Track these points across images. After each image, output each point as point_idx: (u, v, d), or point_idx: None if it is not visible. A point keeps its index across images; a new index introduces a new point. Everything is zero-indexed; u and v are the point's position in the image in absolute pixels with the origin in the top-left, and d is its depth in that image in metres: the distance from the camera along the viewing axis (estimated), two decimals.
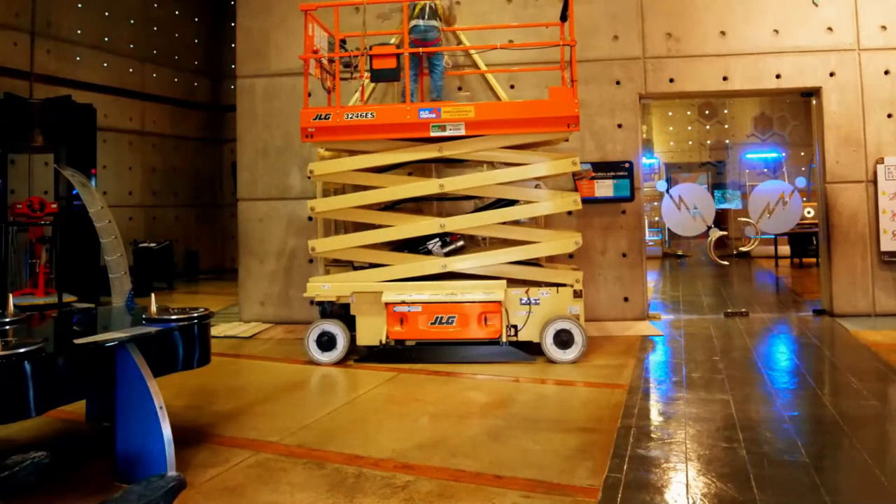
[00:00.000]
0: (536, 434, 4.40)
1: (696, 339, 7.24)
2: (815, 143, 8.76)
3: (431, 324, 6.40)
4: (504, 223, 6.79)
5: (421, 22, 7.29)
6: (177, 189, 14.92)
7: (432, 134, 6.59)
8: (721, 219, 14.68)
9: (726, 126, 17.58)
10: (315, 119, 6.65)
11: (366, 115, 6.61)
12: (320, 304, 6.86)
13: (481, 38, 8.58)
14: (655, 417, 4.73)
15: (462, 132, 6.57)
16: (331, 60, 7.12)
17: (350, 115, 6.63)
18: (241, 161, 9.13)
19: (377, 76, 6.90)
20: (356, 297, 6.65)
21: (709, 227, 8.89)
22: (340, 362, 6.61)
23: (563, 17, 7.15)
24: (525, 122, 6.59)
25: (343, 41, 7.45)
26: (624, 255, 8.33)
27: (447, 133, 6.57)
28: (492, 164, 7.23)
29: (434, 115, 6.54)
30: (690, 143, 18.01)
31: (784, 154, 16.71)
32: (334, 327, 6.63)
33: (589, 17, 8.44)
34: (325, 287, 6.70)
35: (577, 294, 6.56)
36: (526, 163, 6.70)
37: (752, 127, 17.26)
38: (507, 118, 6.62)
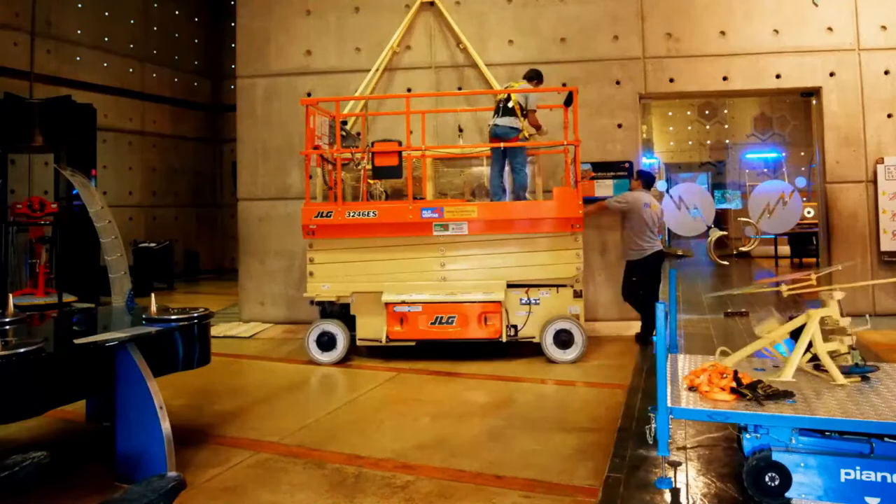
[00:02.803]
0: (536, 434, 4.40)
1: (696, 339, 7.24)
2: (815, 143, 8.76)
3: (431, 324, 6.40)
4: (505, 250, 6.68)
5: (497, 120, 6.83)
6: (177, 189, 14.92)
7: (435, 234, 6.56)
8: (721, 219, 14.68)
9: (726, 126, 17.58)
10: (317, 217, 6.65)
11: (368, 213, 6.60)
12: (320, 304, 6.86)
13: (480, 44, 8.61)
14: None
15: (465, 231, 6.54)
16: (331, 143, 7.13)
17: (352, 214, 6.61)
18: (241, 161, 9.12)
19: (379, 173, 6.89)
20: (356, 297, 6.65)
21: (709, 227, 8.89)
22: (341, 362, 6.61)
23: (568, 103, 6.99)
24: (528, 222, 6.57)
25: (344, 122, 7.47)
26: None
27: (449, 233, 6.55)
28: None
29: (437, 215, 6.53)
30: (690, 143, 18.01)
31: (784, 154, 16.70)
32: (334, 327, 6.63)
33: (589, 17, 8.44)
34: (325, 287, 6.69)
35: (577, 294, 6.55)
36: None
37: (752, 127, 17.26)
38: (510, 218, 6.60)
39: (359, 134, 8.14)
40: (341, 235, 6.68)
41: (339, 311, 6.81)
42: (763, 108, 17.09)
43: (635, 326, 7.91)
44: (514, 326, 6.51)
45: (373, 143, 6.97)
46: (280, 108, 8.88)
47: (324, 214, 6.65)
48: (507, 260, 6.61)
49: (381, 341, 6.51)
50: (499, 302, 6.38)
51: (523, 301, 6.53)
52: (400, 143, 6.85)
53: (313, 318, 7.09)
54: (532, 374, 6.05)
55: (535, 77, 7.09)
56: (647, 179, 7.44)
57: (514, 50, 8.56)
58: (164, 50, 14.48)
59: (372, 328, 6.60)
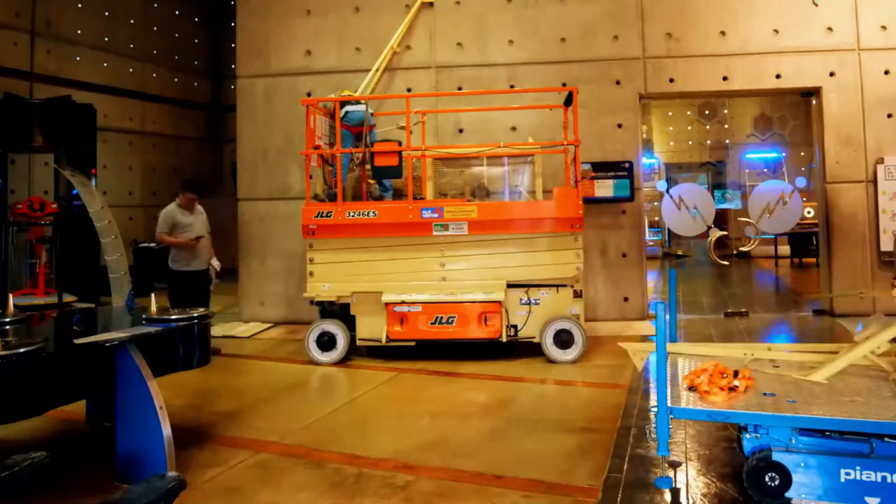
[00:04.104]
0: (536, 434, 4.40)
1: (696, 339, 7.23)
2: (815, 143, 8.76)
3: (431, 324, 6.40)
4: (505, 250, 6.65)
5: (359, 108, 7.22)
6: (177, 189, 14.87)
7: (435, 234, 6.54)
8: (721, 219, 14.66)
9: (726, 126, 17.56)
10: (317, 217, 6.63)
11: (368, 213, 6.60)
12: (320, 304, 6.86)
13: (480, 44, 8.60)
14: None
15: (465, 231, 6.52)
16: (331, 143, 7.12)
17: (352, 214, 6.60)
18: (241, 161, 9.12)
19: (379, 173, 6.89)
20: (356, 297, 6.65)
21: (709, 227, 8.87)
22: (341, 362, 6.61)
23: (568, 103, 6.97)
24: (528, 222, 6.56)
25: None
26: (624, 255, 8.32)
27: (450, 233, 6.53)
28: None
29: (437, 215, 6.52)
30: (690, 143, 17.99)
31: (784, 154, 16.69)
32: (334, 327, 6.63)
33: (589, 17, 8.44)
34: (325, 287, 6.70)
35: (577, 294, 6.55)
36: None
37: (752, 127, 17.25)
38: (510, 218, 6.59)
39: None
40: (341, 235, 6.67)
41: (340, 311, 6.80)
42: (763, 108, 17.08)
43: (636, 327, 7.91)
44: (514, 326, 6.51)
45: (372, 143, 6.96)
46: (280, 108, 8.87)
47: (324, 214, 6.65)
48: (507, 260, 6.60)
49: (381, 341, 6.51)
50: (499, 302, 6.38)
51: (523, 301, 6.53)
52: (400, 143, 6.84)
53: (313, 318, 7.09)
54: (532, 374, 6.05)
55: None
56: None
57: (514, 50, 8.56)
58: (164, 50, 14.46)
59: (372, 328, 6.60)
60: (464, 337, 6.41)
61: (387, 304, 6.46)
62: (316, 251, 6.76)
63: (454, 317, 6.39)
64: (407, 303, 6.43)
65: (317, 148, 6.89)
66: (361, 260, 6.68)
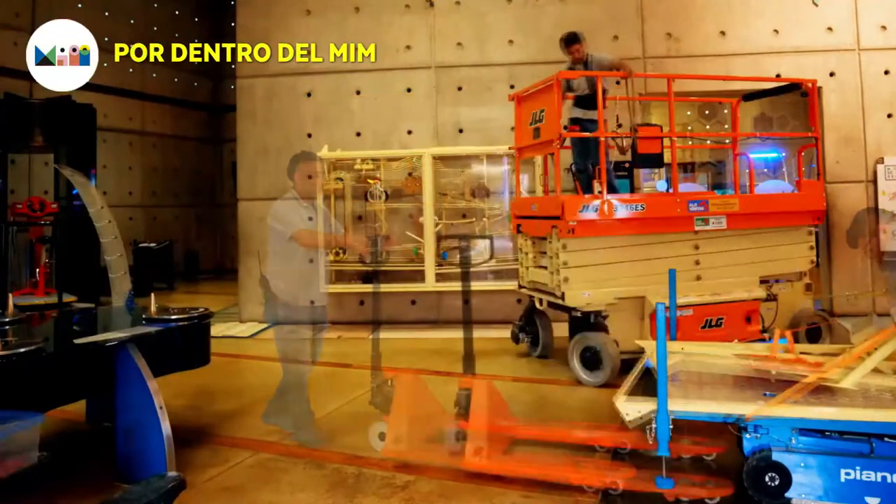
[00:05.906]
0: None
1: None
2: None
3: (702, 328, 5.79)
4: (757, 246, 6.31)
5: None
6: (177, 189, 14.91)
7: (696, 229, 6.05)
8: None
9: (726, 126, 17.55)
10: (582, 211, 5.76)
11: (636, 206, 5.93)
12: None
13: (480, 44, 8.61)
14: None
15: (724, 226, 6.11)
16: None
17: (617, 208, 5.82)
18: (241, 161, 9.13)
19: (641, 161, 6.42)
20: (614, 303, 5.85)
21: None
22: (342, 363, 6.59)
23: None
24: (782, 215, 6.38)
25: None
26: None
27: (709, 227, 6.11)
28: None
29: (702, 209, 6.06)
30: (690, 142, 17.98)
31: (784, 154, 16.68)
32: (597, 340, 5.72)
33: (589, 17, 8.43)
34: (585, 295, 5.77)
35: (808, 288, 6.45)
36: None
37: (752, 127, 17.24)
38: (769, 211, 6.35)
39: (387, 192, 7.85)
40: (604, 233, 5.84)
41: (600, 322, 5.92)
42: (763, 108, 17.07)
43: None
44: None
45: (636, 128, 6.26)
46: (280, 108, 8.88)
47: (590, 208, 5.78)
48: (758, 255, 6.25)
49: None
50: (759, 300, 6.02)
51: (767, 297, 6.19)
52: (661, 129, 6.46)
53: (313, 318, 7.00)
54: (532, 374, 6.04)
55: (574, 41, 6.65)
56: None
57: (514, 50, 8.57)
58: (164, 50, 14.44)
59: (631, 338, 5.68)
60: (730, 340, 5.30)
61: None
62: (570, 252, 5.78)
63: (722, 318, 5.88)
64: (681, 306, 5.38)
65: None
66: (622, 260, 5.89)
